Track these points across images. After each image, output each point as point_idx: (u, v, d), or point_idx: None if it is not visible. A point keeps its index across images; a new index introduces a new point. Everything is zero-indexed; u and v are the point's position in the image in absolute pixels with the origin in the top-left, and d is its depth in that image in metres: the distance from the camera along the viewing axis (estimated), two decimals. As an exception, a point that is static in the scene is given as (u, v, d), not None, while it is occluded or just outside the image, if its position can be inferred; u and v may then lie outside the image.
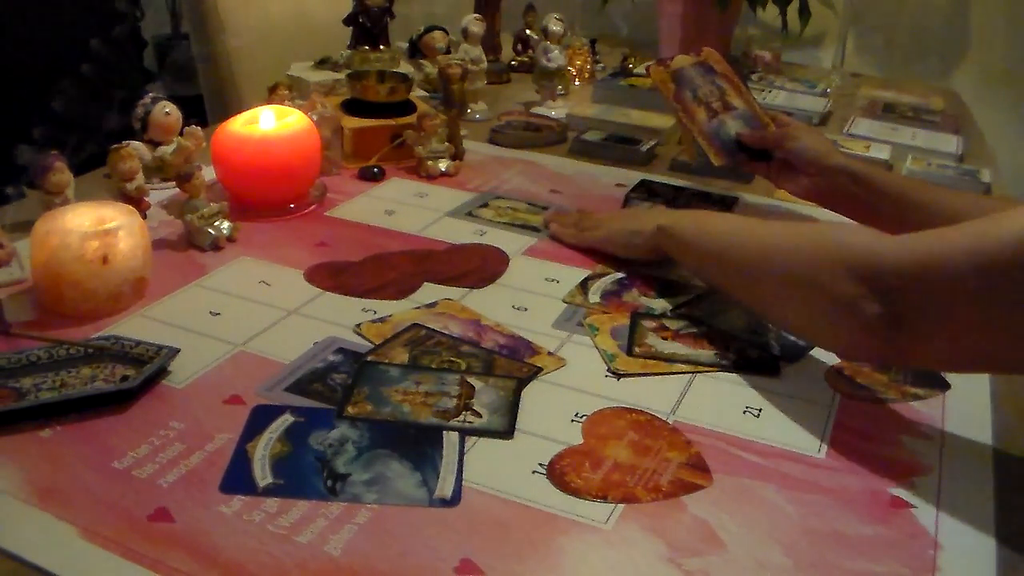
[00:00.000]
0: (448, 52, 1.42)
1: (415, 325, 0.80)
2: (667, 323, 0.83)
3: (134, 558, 0.53)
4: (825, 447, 0.68)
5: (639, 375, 0.75)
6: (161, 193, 1.02)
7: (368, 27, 1.40)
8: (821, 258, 0.69)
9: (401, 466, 0.62)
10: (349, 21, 1.41)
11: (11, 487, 0.58)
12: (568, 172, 1.22)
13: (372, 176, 1.14)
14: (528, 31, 1.76)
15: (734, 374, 0.76)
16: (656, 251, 0.90)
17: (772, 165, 1.04)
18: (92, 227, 0.79)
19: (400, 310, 0.83)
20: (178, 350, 0.72)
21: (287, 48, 1.58)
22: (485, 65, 1.47)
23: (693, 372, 0.76)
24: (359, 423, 0.67)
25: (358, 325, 0.80)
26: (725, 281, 0.84)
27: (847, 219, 0.97)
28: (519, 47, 1.78)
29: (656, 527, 0.59)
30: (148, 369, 0.69)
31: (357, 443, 0.64)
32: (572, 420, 0.69)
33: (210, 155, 1.01)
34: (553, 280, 0.91)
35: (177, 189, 0.94)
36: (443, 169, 1.17)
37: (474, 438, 0.66)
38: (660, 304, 0.87)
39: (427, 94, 1.38)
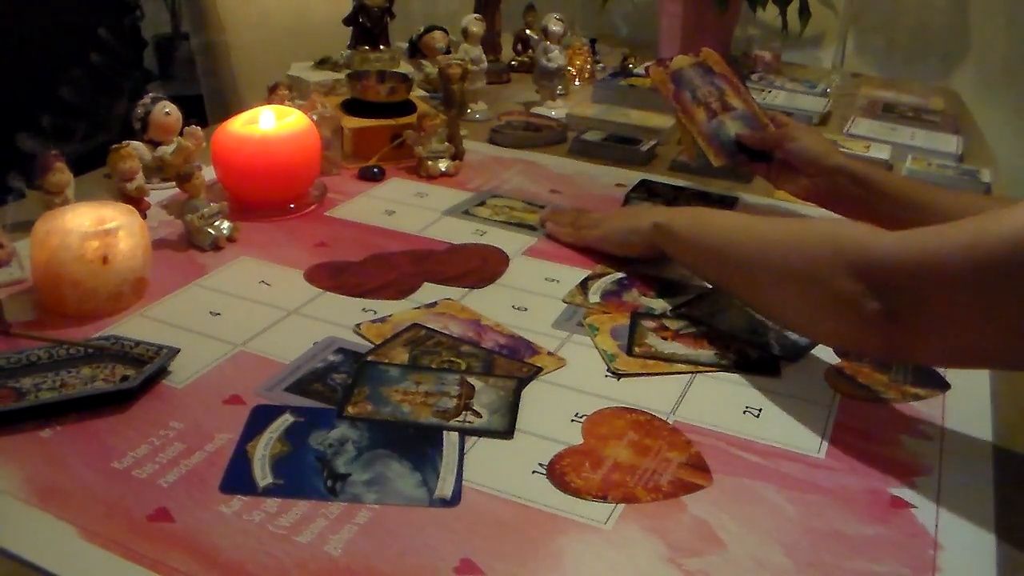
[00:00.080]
0: (448, 52, 1.42)
1: (415, 325, 0.80)
2: (667, 323, 0.83)
3: (134, 558, 0.53)
4: (825, 447, 0.68)
5: (639, 375, 0.75)
6: (161, 193, 1.02)
7: (368, 27, 1.40)
8: (819, 254, 0.69)
9: (401, 466, 0.62)
10: (349, 21, 1.41)
11: (11, 487, 0.58)
12: (568, 172, 1.22)
13: (372, 176, 1.14)
14: (528, 31, 1.76)
15: (734, 374, 0.76)
16: (653, 249, 0.90)
17: (772, 166, 1.04)
18: (92, 227, 0.79)
19: (400, 310, 0.83)
20: (178, 350, 0.72)
21: (287, 48, 1.58)
22: (485, 65, 1.46)
23: (693, 372, 0.76)
24: (359, 423, 0.66)
25: (358, 325, 0.80)
26: (723, 278, 0.84)
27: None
28: (519, 47, 1.78)
29: (656, 527, 0.59)
30: (148, 369, 0.69)
31: (357, 443, 0.64)
32: (572, 420, 0.69)
33: (210, 155, 1.01)
34: (553, 280, 0.91)
35: (177, 189, 0.94)
36: (443, 169, 1.17)
37: (474, 438, 0.66)
38: (660, 304, 0.87)
39: (427, 94, 1.39)
